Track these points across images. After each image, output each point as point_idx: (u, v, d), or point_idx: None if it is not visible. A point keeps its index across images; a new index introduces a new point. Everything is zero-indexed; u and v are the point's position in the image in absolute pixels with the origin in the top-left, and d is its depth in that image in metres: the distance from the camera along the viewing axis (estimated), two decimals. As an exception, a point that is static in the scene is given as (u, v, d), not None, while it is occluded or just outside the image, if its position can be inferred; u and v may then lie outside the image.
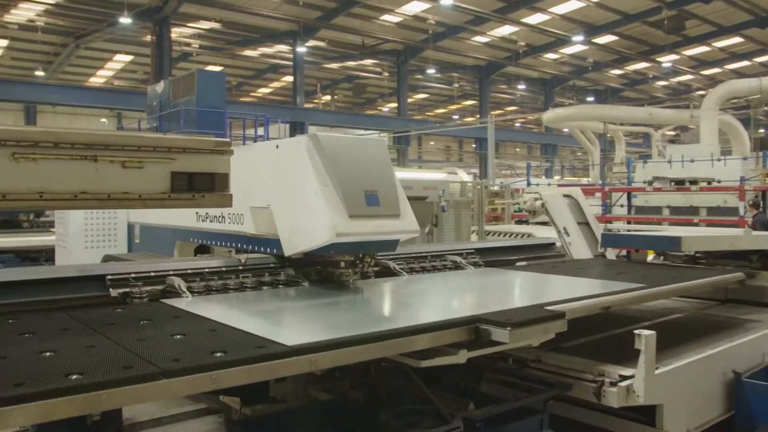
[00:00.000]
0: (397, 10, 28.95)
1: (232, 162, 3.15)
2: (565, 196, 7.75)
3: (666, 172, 15.35)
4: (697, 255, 5.64)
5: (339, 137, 4.11)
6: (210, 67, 39.43)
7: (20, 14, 27.13)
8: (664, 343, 3.42)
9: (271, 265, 4.02)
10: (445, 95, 46.67)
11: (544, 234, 8.95)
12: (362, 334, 2.58)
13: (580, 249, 6.24)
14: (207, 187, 3.06)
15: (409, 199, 4.11)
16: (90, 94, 29.30)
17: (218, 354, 2.22)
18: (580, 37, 28.92)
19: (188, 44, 31.76)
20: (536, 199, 7.34)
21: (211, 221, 4.69)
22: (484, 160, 37.88)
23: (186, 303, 3.28)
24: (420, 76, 39.07)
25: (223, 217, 4.52)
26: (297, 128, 30.65)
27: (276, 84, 42.79)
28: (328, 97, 48.41)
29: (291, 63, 35.18)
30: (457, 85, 40.96)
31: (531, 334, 2.86)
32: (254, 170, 4.15)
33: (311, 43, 32.89)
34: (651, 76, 38.40)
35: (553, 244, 6.26)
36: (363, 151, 3.95)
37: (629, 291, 3.80)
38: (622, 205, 16.01)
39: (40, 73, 33.63)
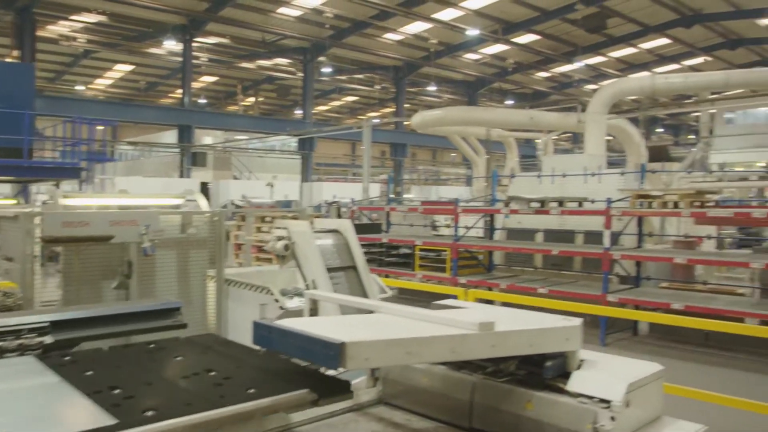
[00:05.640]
0: (295, 3, 26.39)
1: None
2: (325, 232, 5.27)
3: (537, 189, 12.90)
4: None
5: None
6: (119, 66, 36.34)
7: None
8: None
9: None
10: (376, 98, 44.07)
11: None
12: None
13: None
14: None
15: (80, 240, 3.53)
16: None
17: None
18: (475, 32, 26.51)
19: (74, 38, 28.72)
20: (280, 239, 4.87)
21: None
22: (399, 168, 35.46)
23: None
24: (342, 77, 36.40)
25: None
26: (185, 133, 27.95)
27: (196, 84, 39.43)
28: (252, 99, 45.57)
29: (200, 62, 32.50)
30: (378, 87, 38.35)
31: None
32: None
33: (214, 39, 30.24)
34: (577, 79, 36.19)
35: (177, 309, 3.74)
36: None
37: None
38: (483, 228, 13.56)
39: None
